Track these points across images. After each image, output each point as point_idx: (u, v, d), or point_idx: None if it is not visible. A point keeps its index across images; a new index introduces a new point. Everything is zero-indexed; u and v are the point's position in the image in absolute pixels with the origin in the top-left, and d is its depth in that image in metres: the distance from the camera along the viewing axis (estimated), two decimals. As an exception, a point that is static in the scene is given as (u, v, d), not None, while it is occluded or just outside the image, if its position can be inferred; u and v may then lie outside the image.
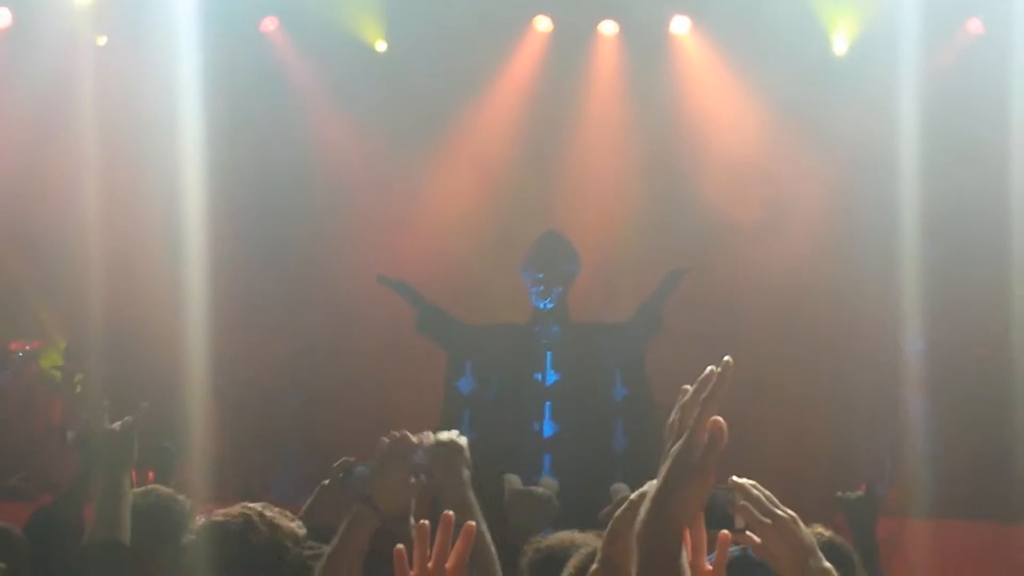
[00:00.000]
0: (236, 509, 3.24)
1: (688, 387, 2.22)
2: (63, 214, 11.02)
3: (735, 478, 2.60)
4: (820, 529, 3.28)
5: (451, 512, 2.47)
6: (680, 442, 2.19)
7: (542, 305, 9.05)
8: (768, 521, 2.52)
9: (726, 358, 2.21)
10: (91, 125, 10.64)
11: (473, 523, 2.49)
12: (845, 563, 2.57)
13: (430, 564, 2.47)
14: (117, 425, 4.83)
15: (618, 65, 11.89)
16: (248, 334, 11.84)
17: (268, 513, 3.37)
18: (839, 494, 4.92)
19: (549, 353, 9.04)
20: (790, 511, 2.58)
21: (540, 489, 5.41)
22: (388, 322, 10.63)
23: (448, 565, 2.47)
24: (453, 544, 2.47)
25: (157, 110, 10.55)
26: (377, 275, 9.20)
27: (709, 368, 2.19)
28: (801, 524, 2.58)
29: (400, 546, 2.48)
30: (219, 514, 3.22)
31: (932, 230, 10.83)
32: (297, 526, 3.28)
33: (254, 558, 3.21)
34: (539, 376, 9.02)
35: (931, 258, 11.21)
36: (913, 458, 11.58)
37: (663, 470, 2.18)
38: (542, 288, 9.00)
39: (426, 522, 2.49)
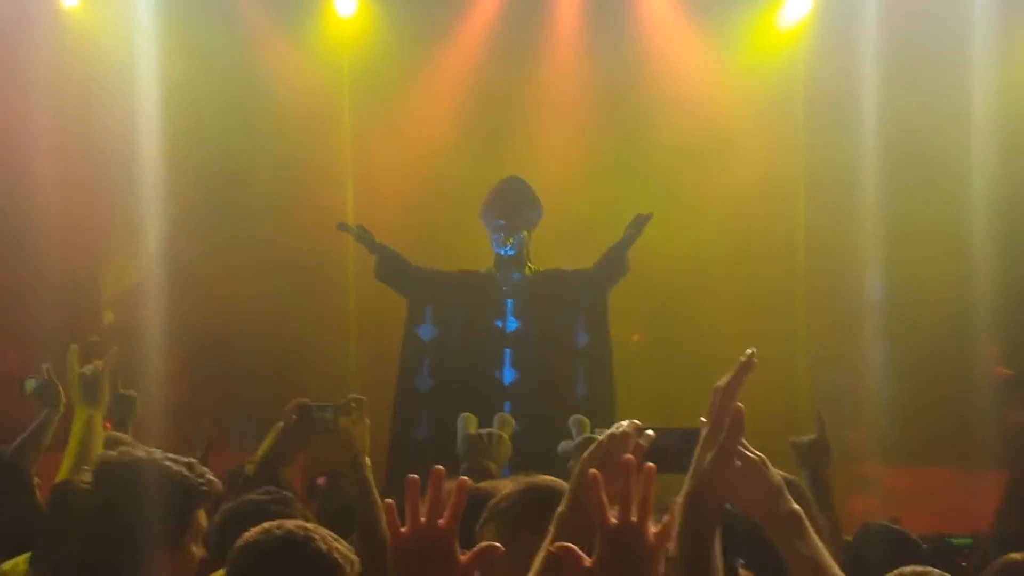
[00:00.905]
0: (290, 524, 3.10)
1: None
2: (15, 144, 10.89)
3: (703, 419, 2.59)
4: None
5: (441, 467, 2.42)
6: (707, 428, 2.48)
7: (503, 251, 8.97)
8: (737, 463, 2.50)
9: (749, 350, 2.50)
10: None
11: (467, 478, 2.46)
12: (801, 504, 2.62)
13: (423, 519, 2.42)
14: (88, 369, 4.85)
15: (580, 8, 11.83)
16: (205, 280, 11.76)
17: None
18: (791, 439, 4.91)
19: (510, 300, 8.98)
20: (759, 453, 2.57)
21: (493, 430, 5.36)
22: (347, 269, 10.57)
23: (441, 522, 2.41)
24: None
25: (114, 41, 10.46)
26: (336, 222, 9.10)
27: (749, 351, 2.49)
28: (770, 466, 2.57)
29: (390, 501, 2.44)
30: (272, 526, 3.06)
31: (893, 167, 10.82)
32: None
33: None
34: (499, 323, 8.97)
35: (891, 197, 11.21)
36: (873, 404, 11.64)
37: (698, 451, 2.48)
38: (503, 234, 8.92)
39: (416, 478, 2.43)
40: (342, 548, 2.97)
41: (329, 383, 10.55)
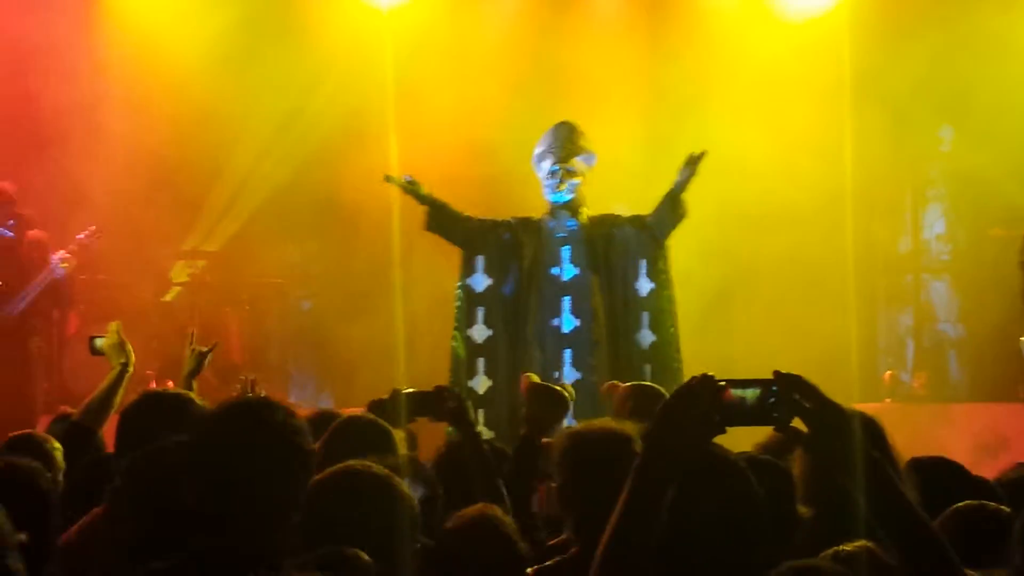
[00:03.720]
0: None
1: None
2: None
3: (779, 371, 2.57)
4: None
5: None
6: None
7: (557, 197, 8.84)
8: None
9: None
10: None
11: None
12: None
13: None
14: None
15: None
16: (259, 239, 11.80)
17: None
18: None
19: (566, 248, 8.85)
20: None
21: (556, 385, 5.33)
22: (396, 222, 10.53)
23: None
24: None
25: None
26: (384, 175, 9.01)
27: None
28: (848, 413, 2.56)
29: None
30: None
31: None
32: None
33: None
34: (556, 270, 8.85)
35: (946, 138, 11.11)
36: (935, 342, 11.56)
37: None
38: (558, 180, 8.79)
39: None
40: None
41: (378, 336, 10.57)
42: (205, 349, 6.08)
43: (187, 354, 6.05)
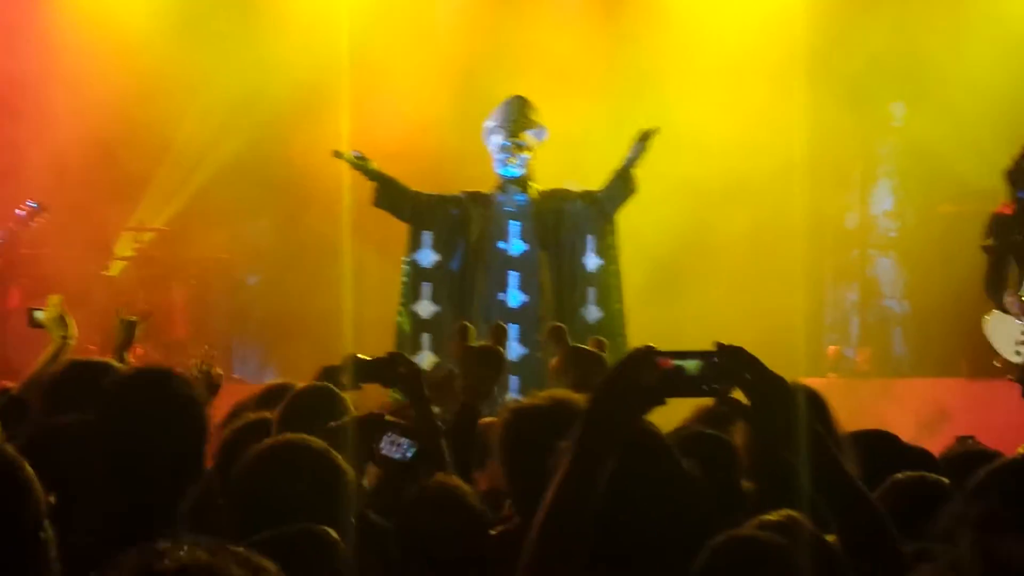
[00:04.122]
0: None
1: None
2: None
3: (720, 342, 2.56)
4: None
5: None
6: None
7: (507, 172, 8.81)
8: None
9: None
10: None
11: None
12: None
13: None
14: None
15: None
16: (206, 214, 11.72)
17: None
18: None
19: (515, 223, 8.82)
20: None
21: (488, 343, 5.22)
22: (346, 197, 10.47)
23: None
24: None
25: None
26: (332, 150, 8.95)
27: None
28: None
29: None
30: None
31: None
32: None
33: None
34: (503, 245, 8.83)
35: (897, 114, 11.14)
36: (880, 318, 11.62)
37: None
38: (508, 154, 8.76)
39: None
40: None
41: (324, 312, 10.52)
42: (133, 319, 5.99)
43: (117, 326, 5.94)
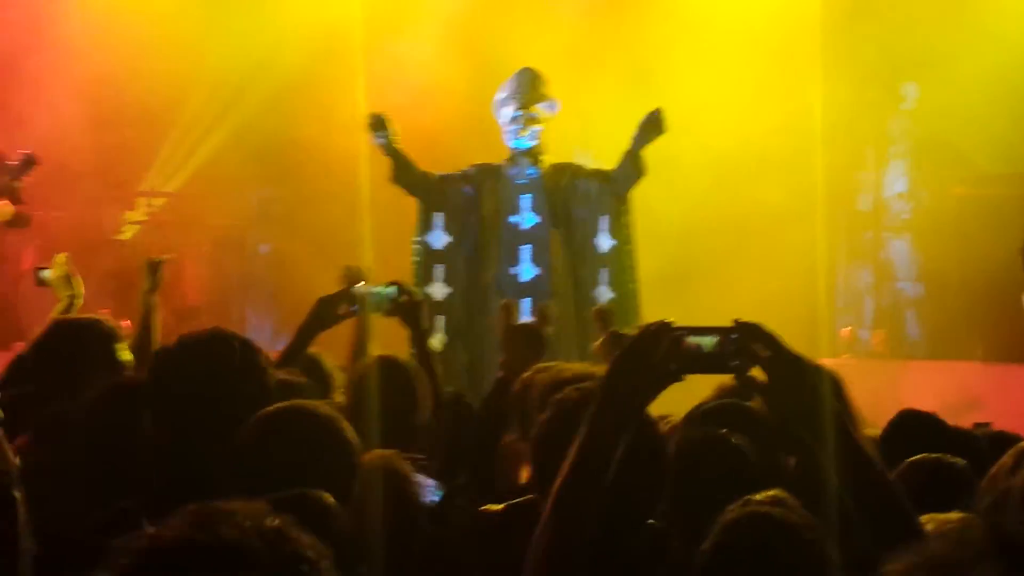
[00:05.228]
0: None
1: None
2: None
3: (739, 319, 2.54)
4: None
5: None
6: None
7: (519, 144, 8.73)
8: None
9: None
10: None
11: None
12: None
13: None
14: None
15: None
16: (218, 181, 11.71)
17: None
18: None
19: (527, 195, 8.75)
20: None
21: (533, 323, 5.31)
22: (363, 167, 10.43)
23: None
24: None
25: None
26: (371, 114, 8.69)
27: None
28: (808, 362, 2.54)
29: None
30: None
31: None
32: None
33: None
34: (514, 219, 8.75)
35: (910, 96, 11.08)
36: (893, 300, 11.57)
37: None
38: (520, 126, 8.67)
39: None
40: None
41: (337, 282, 10.47)
42: (160, 259, 5.83)
43: (144, 272, 5.83)
